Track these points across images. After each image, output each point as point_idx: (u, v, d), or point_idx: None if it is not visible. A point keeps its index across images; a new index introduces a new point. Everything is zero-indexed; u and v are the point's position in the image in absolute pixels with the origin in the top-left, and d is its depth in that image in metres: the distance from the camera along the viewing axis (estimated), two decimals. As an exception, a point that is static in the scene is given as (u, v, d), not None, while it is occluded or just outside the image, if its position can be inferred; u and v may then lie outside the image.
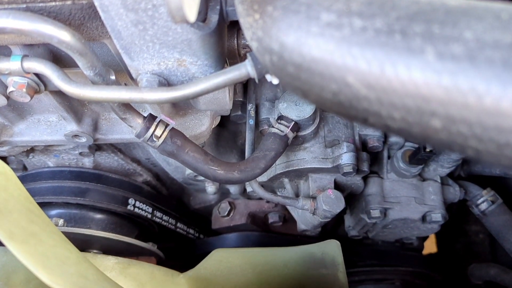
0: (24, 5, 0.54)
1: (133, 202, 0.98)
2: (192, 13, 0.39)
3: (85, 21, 0.57)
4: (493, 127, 0.29)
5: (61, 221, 0.89)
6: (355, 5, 0.35)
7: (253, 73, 0.54)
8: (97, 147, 0.98)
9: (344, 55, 0.35)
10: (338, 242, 0.85)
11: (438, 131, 0.32)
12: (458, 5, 0.32)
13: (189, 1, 0.38)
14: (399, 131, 0.36)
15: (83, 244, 0.90)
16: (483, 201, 1.02)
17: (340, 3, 0.36)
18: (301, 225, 0.95)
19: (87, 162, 1.01)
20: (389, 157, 0.96)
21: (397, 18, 0.33)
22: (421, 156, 0.86)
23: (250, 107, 0.87)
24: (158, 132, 0.66)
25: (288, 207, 1.02)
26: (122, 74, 0.69)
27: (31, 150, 0.97)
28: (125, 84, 0.76)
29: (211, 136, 0.95)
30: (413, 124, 0.34)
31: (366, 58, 0.34)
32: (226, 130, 1.03)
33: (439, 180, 0.96)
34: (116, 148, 1.01)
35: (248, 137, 0.85)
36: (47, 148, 0.97)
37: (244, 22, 0.44)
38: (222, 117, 0.88)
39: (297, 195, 0.92)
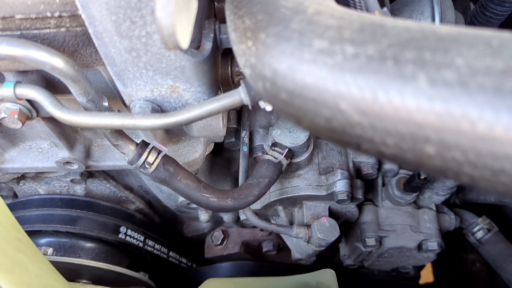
0: (19, 32, 0.54)
1: (124, 230, 0.96)
2: (185, 40, 0.39)
3: (79, 48, 0.57)
4: (487, 153, 0.29)
5: (50, 250, 0.87)
6: (347, 32, 0.36)
7: (246, 100, 0.54)
8: (89, 174, 0.97)
9: (337, 81, 0.35)
10: (333, 271, 0.84)
11: (432, 157, 0.32)
12: (449, 33, 0.33)
13: (182, 29, 0.38)
14: (393, 158, 0.35)
15: (72, 274, 0.88)
16: (479, 229, 1.01)
17: (332, 30, 0.36)
18: (296, 254, 0.93)
19: (79, 189, 0.99)
20: (383, 184, 0.95)
21: (389, 45, 0.33)
22: (415, 183, 0.85)
23: (244, 134, 0.87)
24: (151, 159, 0.66)
25: (283, 236, 1.01)
26: (115, 101, 0.69)
27: (22, 177, 0.95)
28: (119, 111, 0.76)
29: (204, 163, 0.94)
30: (407, 151, 0.33)
31: (358, 85, 0.34)
32: (220, 157, 1.03)
33: (434, 208, 0.95)
34: (108, 175, 1.00)
35: (242, 164, 0.84)
36: (38, 175, 0.95)
37: (237, 49, 0.45)
38: (216, 144, 0.87)
39: (291, 223, 0.90)
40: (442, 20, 0.66)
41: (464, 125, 0.29)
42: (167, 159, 0.67)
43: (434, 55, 0.31)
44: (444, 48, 0.31)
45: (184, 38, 0.39)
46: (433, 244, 0.92)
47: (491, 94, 0.29)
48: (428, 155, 0.32)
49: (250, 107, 0.55)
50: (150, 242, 1.02)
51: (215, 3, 0.66)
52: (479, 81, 0.29)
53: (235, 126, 0.91)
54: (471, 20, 0.77)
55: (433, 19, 0.66)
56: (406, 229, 0.93)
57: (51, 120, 0.71)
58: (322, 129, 0.38)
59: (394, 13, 0.71)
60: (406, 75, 0.32)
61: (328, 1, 0.42)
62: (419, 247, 0.93)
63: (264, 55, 0.40)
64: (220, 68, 0.66)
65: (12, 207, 0.95)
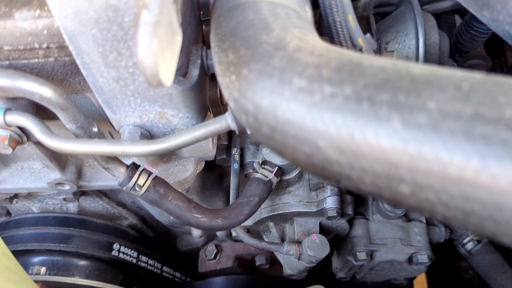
0: (7, 62, 0.55)
1: (117, 247, 0.97)
2: (168, 78, 0.40)
3: (68, 76, 0.57)
4: (458, 195, 0.30)
5: (43, 269, 0.88)
6: (325, 72, 0.37)
7: (233, 126, 0.55)
8: (81, 192, 0.97)
9: (315, 120, 0.36)
10: (323, 287, 0.85)
11: (407, 196, 0.33)
12: (422, 74, 0.33)
13: (166, 67, 0.39)
14: (371, 194, 0.36)
15: (65, 292, 0.88)
16: (469, 240, 1.02)
17: (311, 69, 0.37)
18: (287, 270, 0.94)
19: (72, 207, 1.00)
20: (374, 198, 0.96)
21: (365, 85, 0.34)
22: (405, 198, 0.86)
23: (235, 151, 0.88)
24: (141, 181, 0.66)
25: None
26: (105, 123, 0.70)
27: (15, 196, 0.96)
28: (109, 132, 0.76)
29: (196, 179, 0.95)
30: (383, 189, 0.34)
31: (336, 124, 0.35)
32: (212, 173, 1.03)
33: (424, 221, 0.96)
34: (101, 192, 1.00)
35: (233, 181, 0.85)
36: (31, 194, 0.96)
37: (221, 81, 0.46)
38: (208, 160, 0.88)
39: (282, 239, 0.91)
40: (426, 42, 0.67)
41: (436, 168, 0.30)
42: (157, 180, 0.68)
43: (408, 97, 0.32)
44: (417, 90, 0.32)
45: (168, 75, 0.40)
46: (423, 257, 0.93)
47: (461, 139, 0.29)
48: (403, 194, 0.33)
49: (237, 133, 0.56)
50: (144, 258, 1.02)
51: (203, 26, 0.67)
52: (449, 125, 0.30)
53: (226, 142, 0.92)
54: (456, 38, 0.78)
55: (417, 41, 0.67)
56: (396, 243, 0.93)
57: (42, 144, 0.72)
58: (303, 164, 0.39)
59: (380, 34, 0.72)
60: (381, 117, 0.33)
61: (310, 35, 0.43)
62: (410, 260, 0.94)
63: (246, 90, 0.41)
64: (208, 92, 0.67)
65: (5, 226, 0.95)
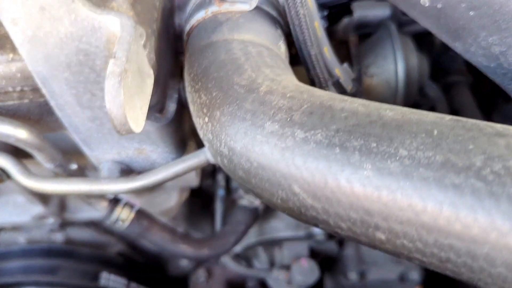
0: (-19, 105, 0.54)
1: (105, 276, 0.95)
2: (138, 125, 0.39)
3: (44, 116, 0.57)
4: (432, 243, 0.30)
5: (30, 303, 0.86)
6: (296, 116, 0.36)
7: (212, 160, 0.54)
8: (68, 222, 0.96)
9: (289, 164, 0.35)
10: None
11: (384, 243, 0.32)
12: (393, 118, 0.33)
13: (135, 114, 0.38)
14: (349, 239, 0.36)
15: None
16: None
17: (283, 112, 0.37)
18: (278, 294, 0.93)
19: (59, 236, 0.98)
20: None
21: (336, 130, 0.34)
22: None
23: (220, 177, 0.87)
24: (124, 214, 0.66)
25: (266, 274, 1.00)
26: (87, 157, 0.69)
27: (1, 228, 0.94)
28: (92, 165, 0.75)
29: (183, 205, 0.94)
30: (360, 235, 0.34)
31: (309, 169, 0.34)
32: (199, 197, 1.02)
33: (414, 237, 0.96)
34: (88, 221, 0.99)
35: (218, 208, 0.84)
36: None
37: (195, 122, 0.45)
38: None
39: (272, 263, 0.90)
40: (405, 66, 0.67)
41: (409, 215, 0.30)
42: (140, 213, 0.67)
43: (379, 144, 0.32)
44: (388, 137, 0.32)
45: (138, 123, 0.39)
46: (414, 274, 0.93)
47: (433, 187, 0.29)
48: (380, 241, 0.33)
49: (217, 166, 0.56)
50: (133, 285, 1.01)
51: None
52: (421, 173, 0.30)
53: (212, 167, 0.91)
54: (436, 58, 0.79)
55: (396, 66, 0.67)
56: (387, 261, 0.93)
57: (22, 181, 0.71)
58: (280, 208, 0.39)
59: (360, 58, 0.72)
60: (354, 163, 0.32)
61: (282, 74, 0.43)
62: (401, 278, 0.93)
63: (220, 133, 0.40)
64: (187, 123, 0.66)
65: (-9, 259, 0.94)
